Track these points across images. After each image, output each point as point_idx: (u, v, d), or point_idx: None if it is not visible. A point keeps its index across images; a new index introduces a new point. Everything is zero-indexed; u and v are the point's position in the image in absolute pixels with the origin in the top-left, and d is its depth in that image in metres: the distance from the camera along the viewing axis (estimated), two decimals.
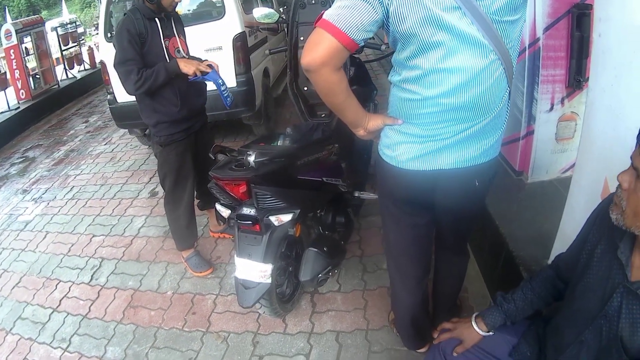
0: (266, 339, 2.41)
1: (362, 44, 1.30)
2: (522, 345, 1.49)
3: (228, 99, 2.61)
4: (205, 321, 2.57)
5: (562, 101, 2.45)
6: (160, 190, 2.86)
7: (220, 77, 2.56)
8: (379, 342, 2.34)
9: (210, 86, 2.62)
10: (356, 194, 2.67)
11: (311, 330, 2.44)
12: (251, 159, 1.87)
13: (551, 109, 2.45)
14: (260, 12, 2.97)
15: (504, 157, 2.82)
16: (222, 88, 2.57)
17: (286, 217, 1.97)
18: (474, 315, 1.56)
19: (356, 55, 2.71)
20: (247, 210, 1.96)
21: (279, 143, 2.19)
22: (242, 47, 4.17)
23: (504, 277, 2.24)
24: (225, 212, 2.03)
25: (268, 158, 1.91)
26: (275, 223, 1.97)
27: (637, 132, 0.95)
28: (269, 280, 2.01)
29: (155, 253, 3.28)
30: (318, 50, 1.23)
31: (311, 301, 2.62)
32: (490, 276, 2.46)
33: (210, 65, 2.52)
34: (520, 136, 2.60)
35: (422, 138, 1.42)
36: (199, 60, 2.60)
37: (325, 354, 2.30)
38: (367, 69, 2.96)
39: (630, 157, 0.98)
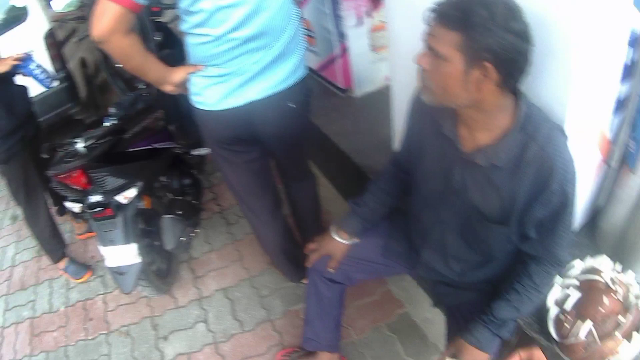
0: (163, 319, 2.43)
1: (146, 2, 1.30)
2: (390, 243, 1.64)
3: (46, 80, 2.45)
4: (103, 323, 2.51)
5: (368, 13, 2.60)
6: (20, 212, 2.66)
7: (34, 60, 2.37)
8: (265, 286, 2.45)
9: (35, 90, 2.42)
10: (193, 153, 2.72)
11: (200, 296, 2.49)
12: (80, 145, 1.88)
13: (359, 23, 2.59)
14: (61, 3, 2.74)
15: (327, 80, 2.96)
16: (37, 72, 2.39)
17: (132, 193, 2.00)
18: (332, 227, 1.65)
19: (160, 20, 2.66)
20: (94, 198, 1.95)
21: (106, 124, 2.14)
22: (53, 44, 3.95)
23: (359, 189, 2.44)
24: (76, 208, 1.99)
25: (95, 140, 1.93)
26: (124, 201, 1.98)
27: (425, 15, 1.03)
28: (139, 259, 2.02)
29: (36, 275, 3.07)
30: (103, 20, 1.25)
31: (189, 268, 2.65)
32: (346, 192, 2.66)
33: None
34: (335, 56, 2.72)
35: (225, 76, 1.48)
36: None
37: (221, 314, 2.37)
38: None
39: (424, 40, 1.04)
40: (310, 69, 2.98)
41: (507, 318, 1.31)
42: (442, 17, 0.98)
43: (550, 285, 1.34)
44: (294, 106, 1.62)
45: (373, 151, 2.35)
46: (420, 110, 1.30)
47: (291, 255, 2.15)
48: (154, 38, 1.97)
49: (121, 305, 2.57)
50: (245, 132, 1.65)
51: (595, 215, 1.80)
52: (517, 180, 1.12)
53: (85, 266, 2.85)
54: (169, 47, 2.53)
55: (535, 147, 1.08)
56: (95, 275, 2.82)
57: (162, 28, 2.66)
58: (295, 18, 1.49)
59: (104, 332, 2.46)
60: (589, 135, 1.40)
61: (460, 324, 1.41)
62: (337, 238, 1.62)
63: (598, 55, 1.18)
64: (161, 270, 2.46)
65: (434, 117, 1.19)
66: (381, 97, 2.70)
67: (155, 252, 2.39)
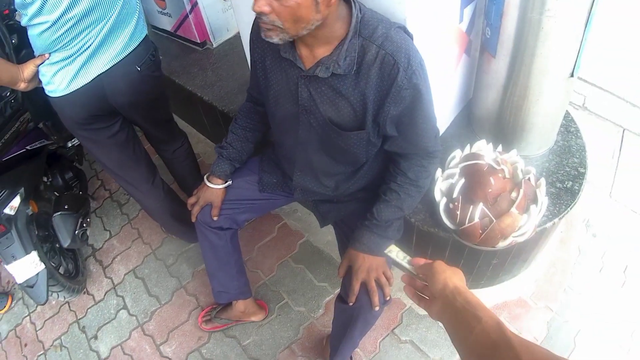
0: (87, 318, 2.44)
1: None
2: (263, 177, 1.72)
3: None
4: (38, 344, 2.46)
5: None
6: None
7: None
8: (169, 255, 2.49)
9: None
10: (69, 145, 2.64)
11: (113, 285, 2.51)
12: None
13: None
14: None
15: (184, 38, 2.89)
16: None
17: (16, 201, 1.99)
18: (205, 176, 1.71)
19: (14, 22, 2.51)
20: None
21: None
22: None
23: None
24: None
25: None
26: (11, 212, 1.97)
27: None
28: (43, 266, 2.04)
29: None
30: None
31: (96, 260, 2.67)
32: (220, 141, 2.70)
33: None
34: (187, 12, 2.65)
35: (70, 58, 1.54)
36: None
37: (136, 295, 2.42)
38: None
39: None
40: (167, 32, 2.93)
41: (391, 218, 1.39)
42: None
43: (427, 178, 1.43)
44: (141, 69, 1.68)
45: (236, 95, 2.41)
46: (258, 40, 1.32)
47: (180, 217, 2.18)
48: (11, 42, 1.89)
49: (47, 319, 2.53)
50: (100, 107, 1.68)
51: (467, 104, 1.96)
52: (362, 83, 1.18)
53: (4, 294, 2.73)
54: (27, 47, 2.44)
55: (374, 48, 1.14)
56: (16, 299, 2.72)
57: (17, 29, 2.56)
58: None
59: (40, 353, 2.41)
60: (439, 29, 1.52)
61: (349, 235, 1.49)
62: (211, 185, 1.67)
63: None
64: (69, 270, 2.46)
65: (272, 44, 1.19)
66: (237, 42, 2.73)
67: (58, 254, 2.36)
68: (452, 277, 0.84)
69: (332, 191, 1.54)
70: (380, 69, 1.15)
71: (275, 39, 1.11)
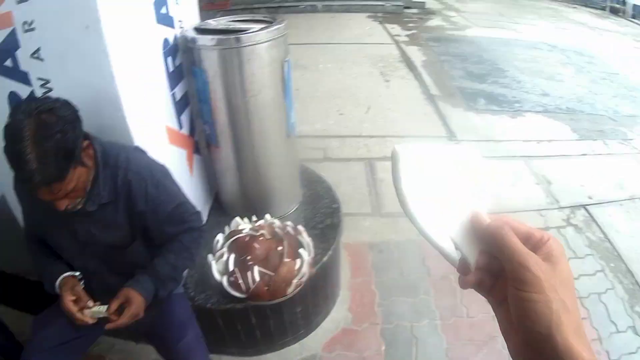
0: None
1: None
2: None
3: None
4: None
5: None
6: None
7: None
8: None
9: None
10: None
11: None
12: None
13: None
14: None
15: None
16: None
17: None
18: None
19: None
20: None
21: None
22: None
23: (26, 291, 2.32)
24: None
25: None
26: None
27: None
28: None
29: None
30: None
31: None
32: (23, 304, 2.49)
33: None
34: None
35: None
36: None
37: None
38: None
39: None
40: None
41: (166, 274, 1.55)
42: (49, 179, 1.21)
43: (197, 247, 1.66)
44: None
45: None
46: (23, 190, 1.48)
47: None
48: None
49: None
50: None
51: (217, 191, 2.35)
52: (124, 204, 1.45)
53: None
54: None
55: (122, 173, 1.42)
56: None
57: None
58: None
59: None
60: (163, 140, 1.90)
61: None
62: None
63: (144, 87, 1.66)
64: None
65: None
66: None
67: None
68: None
69: None
70: (133, 188, 1.44)
71: (74, 207, 1.36)
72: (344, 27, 8.00)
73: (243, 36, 1.89)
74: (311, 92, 4.98)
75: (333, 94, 4.91)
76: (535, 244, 0.50)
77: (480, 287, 0.56)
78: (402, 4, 9.65)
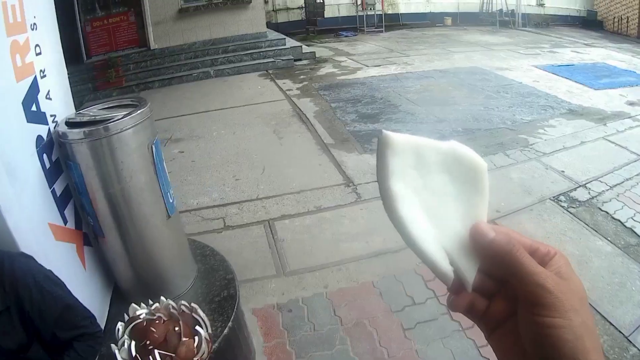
0: None
1: None
2: None
3: None
4: None
5: None
6: None
7: None
8: None
9: None
10: None
11: None
12: None
13: None
14: None
15: None
16: None
17: None
18: None
19: None
20: None
21: None
22: None
23: None
24: None
25: None
26: None
27: None
28: None
29: None
30: None
31: None
32: None
33: None
34: None
35: None
36: None
37: None
38: None
39: None
40: None
41: None
42: None
43: (94, 356, 1.69)
44: None
45: None
46: None
47: None
48: None
49: None
50: None
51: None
52: (15, 311, 1.45)
53: None
54: None
55: (8, 281, 1.43)
56: None
57: None
58: None
59: None
60: (48, 242, 1.86)
61: None
62: None
63: (21, 188, 1.65)
64: None
65: None
66: None
67: None
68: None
69: None
70: (20, 295, 1.44)
71: None
72: (237, 89, 8.21)
73: (108, 125, 1.93)
74: (207, 161, 5.03)
75: (228, 160, 4.99)
76: (541, 260, 0.46)
77: (471, 310, 0.50)
78: (292, 57, 10.06)
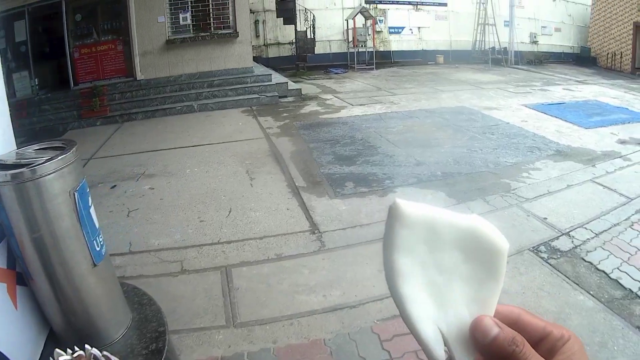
0: None
1: None
2: None
3: None
4: None
5: None
6: None
7: None
8: None
9: None
10: None
11: None
12: None
13: None
14: None
15: None
16: None
17: None
18: None
19: None
20: None
21: None
22: None
23: None
24: None
25: None
26: None
27: None
28: None
29: None
30: None
31: None
32: None
33: None
34: None
35: None
36: None
37: None
38: None
39: None
40: None
41: None
42: None
43: None
44: None
45: None
46: None
47: None
48: None
49: None
50: None
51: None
52: None
53: None
54: None
55: None
56: None
57: None
58: None
59: None
60: None
61: None
62: None
63: None
64: None
65: None
66: None
67: None
68: None
69: None
70: None
71: None
72: (218, 125, 8.21)
73: (29, 170, 1.90)
74: (175, 200, 4.96)
75: (196, 200, 4.91)
76: (553, 345, 0.43)
77: None
78: (277, 94, 10.15)
